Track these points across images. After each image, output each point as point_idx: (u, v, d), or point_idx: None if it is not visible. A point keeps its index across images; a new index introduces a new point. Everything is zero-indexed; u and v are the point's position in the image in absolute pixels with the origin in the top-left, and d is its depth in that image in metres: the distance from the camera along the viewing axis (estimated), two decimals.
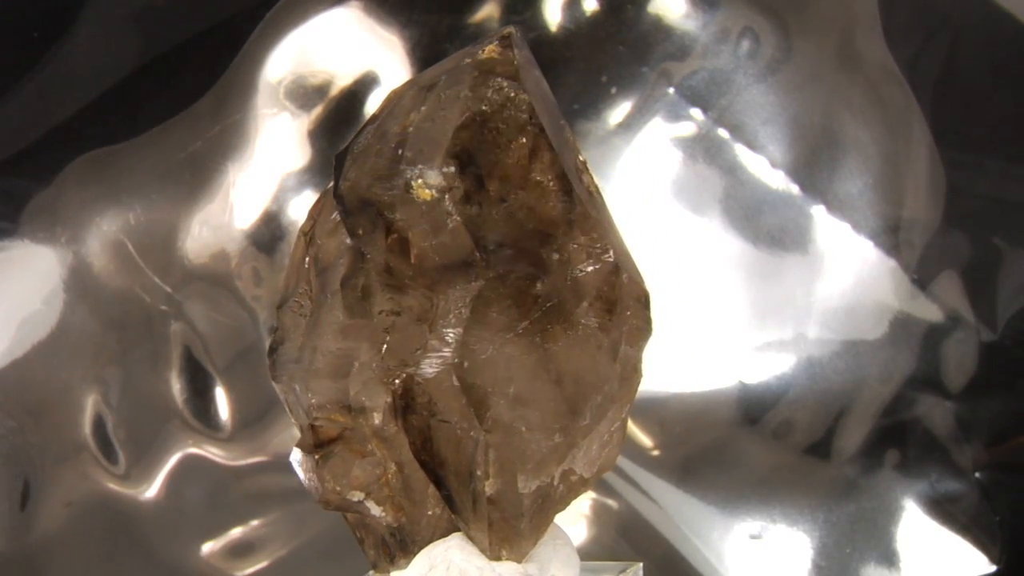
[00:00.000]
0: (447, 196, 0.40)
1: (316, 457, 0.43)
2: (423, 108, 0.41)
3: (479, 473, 0.41)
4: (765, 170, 0.75)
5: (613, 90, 0.75)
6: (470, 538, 0.43)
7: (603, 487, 0.75)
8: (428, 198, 0.40)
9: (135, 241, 0.74)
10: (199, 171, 0.74)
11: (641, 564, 0.48)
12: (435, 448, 0.42)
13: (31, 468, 0.72)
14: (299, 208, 0.75)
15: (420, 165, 0.40)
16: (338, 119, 0.75)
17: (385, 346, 0.42)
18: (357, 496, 0.44)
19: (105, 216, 0.74)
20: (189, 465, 0.74)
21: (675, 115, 0.75)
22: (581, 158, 0.43)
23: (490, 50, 0.41)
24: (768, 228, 0.75)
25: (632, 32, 0.75)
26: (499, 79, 0.40)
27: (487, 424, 0.41)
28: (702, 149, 0.75)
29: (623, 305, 0.42)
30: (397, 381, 0.42)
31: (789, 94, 0.75)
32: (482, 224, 0.41)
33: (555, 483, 0.42)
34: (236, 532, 0.74)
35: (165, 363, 0.74)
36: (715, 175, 0.75)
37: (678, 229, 0.75)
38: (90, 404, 0.73)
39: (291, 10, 0.75)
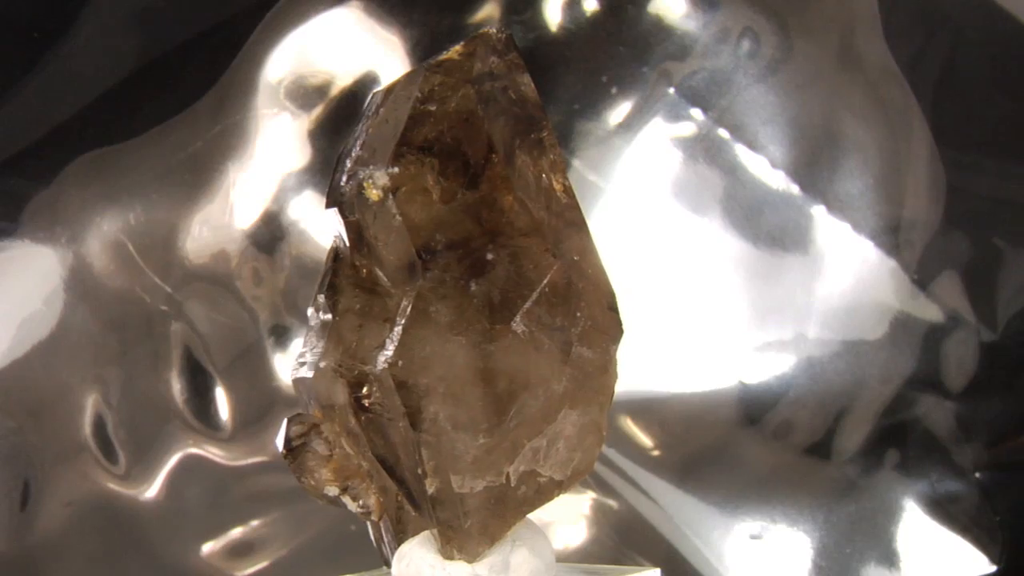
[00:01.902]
0: (391, 196, 0.41)
1: (284, 452, 0.44)
2: (382, 110, 0.42)
3: (419, 472, 0.42)
4: (765, 170, 0.75)
5: (613, 90, 0.75)
6: (433, 536, 0.44)
7: (603, 487, 0.75)
8: (376, 198, 0.41)
9: (135, 241, 0.74)
10: (199, 171, 0.75)
11: (659, 570, 0.48)
12: (390, 446, 0.43)
13: (31, 468, 0.72)
14: (299, 208, 0.75)
15: (371, 166, 0.41)
16: (338, 119, 0.75)
17: (355, 344, 0.43)
18: (332, 491, 0.45)
19: (105, 216, 0.74)
20: (189, 465, 0.74)
21: (675, 115, 0.75)
22: (552, 157, 0.43)
23: (454, 51, 0.42)
24: (768, 228, 0.75)
25: (632, 32, 0.75)
26: (449, 79, 0.41)
27: (419, 423, 0.41)
28: (702, 149, 0.75)
29: (572, 307, 0.42)
30: (361, 379, 0.43)
31: (789, 94, 0.75)
32: (438, 224, 0.41)
33: (512, 484, 0.42)
34: (236, 532, 0.74)
35: (165, 363, 0.74)
36: (715, 175, 0.75)
37: (678, 229, 0.75)
38: (90, 404, 0.73)
39: (291, 10, 0.75)
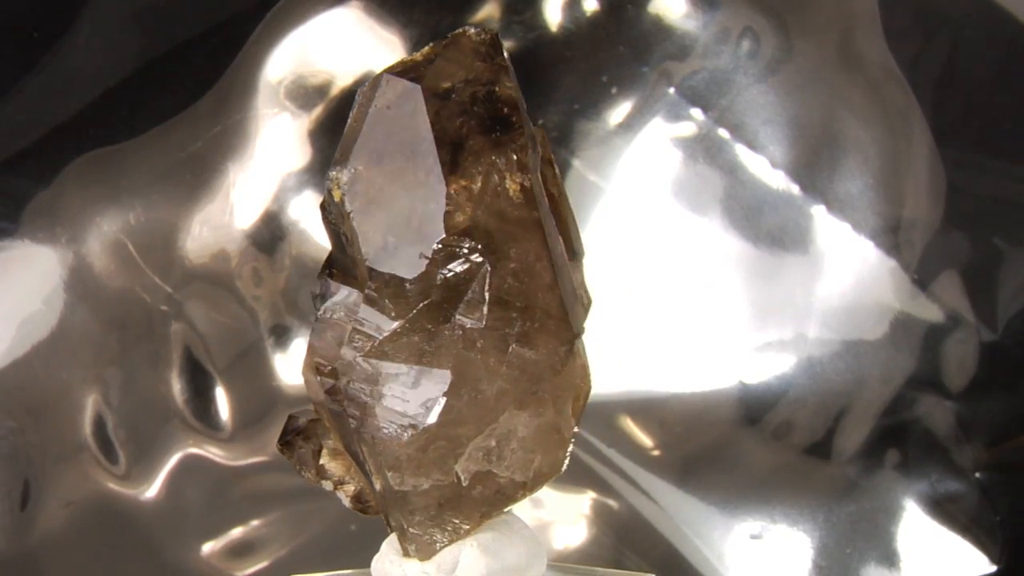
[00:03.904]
0: (346, 196, 0.42)
1: (279, 446, 0.45)
2: (354, 111, 0.43)
3: (368, 468, 0.43)
4: (765, 170, 0.75)
5: (613, 90, 0.75)
6: None
7: (603, 487, 0.75)
8: (338, 199, 0.42)
9: (135, 241, 0.74)
10: (199, 171, 0.75)
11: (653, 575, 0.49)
12: (356, 442, 0.43)
13: (31, 468, 0.72)
14: (299, 208, 0.75)
15: (339, 166, 0.42)
16: (338, 119, 0.75)
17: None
18: (328, 486, 0.46)
19: (105, 216, 0.74)
20: (189, 465, 0.74)
21: (675, 115, 0.75)
22: (514, 157, 0.43)
23: (421, 52, 0.43)
24: (768, 228, 0.75)
25: (632, 32, 0.75)
26: (400, 79, 0.42)
27: (359, 420, 0.42)
28: (702, 149, 0.75)
29: (509, 307, 0.42)
30: (333, 376, 0.44)
31: (789, 94, 0.75)
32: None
33: (464, 484, 0.43)
34: (236, 532, 0.74)
35: (165, 363, 0.74)
36: (715, 175, 0.75)
37: (678, 229, 0.75)
38: (90, 404, 0.73)
39: (291, 10, 0.75)
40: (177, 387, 0.74)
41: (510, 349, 0.43)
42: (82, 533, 0.72)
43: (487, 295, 0.42)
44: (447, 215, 0.42)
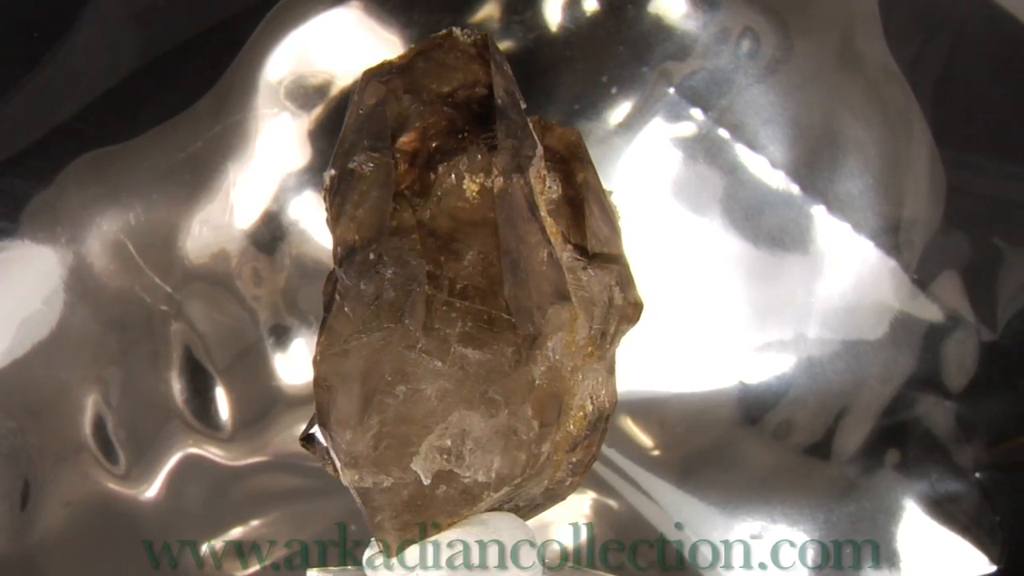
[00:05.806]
0: (327, 195, 0.43)
1: (302, 441, 0.46)
2: (346, 113, 0.44)
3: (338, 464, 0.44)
4: (765, 170, 0.75)
5: (613, 90, 0.75)
6: None
7: (603, 487, 0.75)
8: (324, 199, 0.43)
9: (135, 241, 0.74)
10: (199, 171, 0.74)
11: None
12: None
13: (31, 468, 0.72)
14: (299, 208, 0.75)
15: (327, 168, 0.44)
16: (338, 119, 0.75)
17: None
18: (346, 480, 0.45)
19: (105, 216, 0.74)
20: (189, 465, 0.74)
21: (675, 115, 0.75)
22: (479, 157, 0.43)
23: (401, 54, 0.43)
24: (768, 228, 0.75)
25: (632, 32, 0.75)
26: (379, 80, 0.42)
27: (322, 417, 0.43)
28: (702, 149, 0.75)
29: (452, 307, 0.43)
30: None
31: (789, 94, 0.75)
32: (360, 223, 0.43)
33: (426, 483, 0.43)
34: (236, 532, 0.74)
35: (165, 363, 0.74)
36: (715, 175, 0.75)
37: (678, 229, 0.75)
38: (90, 404, 0.73)
39: (291, 10, 0.75)
40: (177, 387, 0.74)
41: (452, 350, 0.43)
42: (82, 533, 0.72)
43: (426, 295, 0.42)
44: (396, 215, 0.42)
